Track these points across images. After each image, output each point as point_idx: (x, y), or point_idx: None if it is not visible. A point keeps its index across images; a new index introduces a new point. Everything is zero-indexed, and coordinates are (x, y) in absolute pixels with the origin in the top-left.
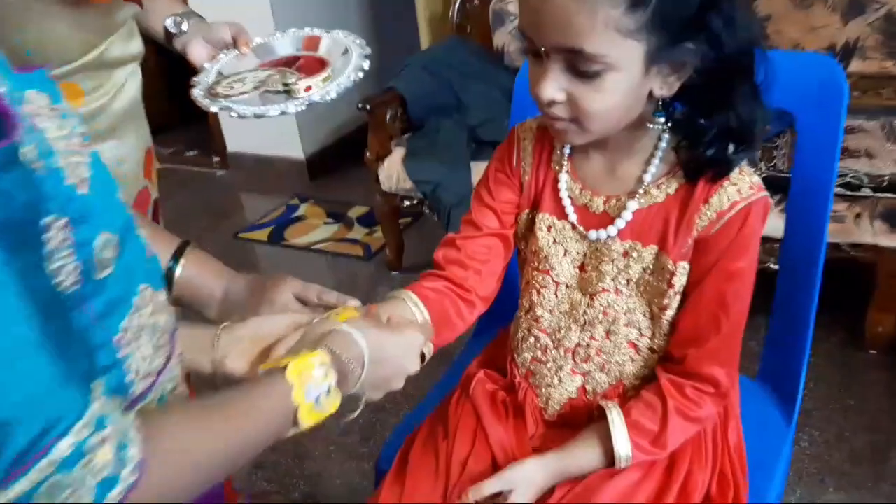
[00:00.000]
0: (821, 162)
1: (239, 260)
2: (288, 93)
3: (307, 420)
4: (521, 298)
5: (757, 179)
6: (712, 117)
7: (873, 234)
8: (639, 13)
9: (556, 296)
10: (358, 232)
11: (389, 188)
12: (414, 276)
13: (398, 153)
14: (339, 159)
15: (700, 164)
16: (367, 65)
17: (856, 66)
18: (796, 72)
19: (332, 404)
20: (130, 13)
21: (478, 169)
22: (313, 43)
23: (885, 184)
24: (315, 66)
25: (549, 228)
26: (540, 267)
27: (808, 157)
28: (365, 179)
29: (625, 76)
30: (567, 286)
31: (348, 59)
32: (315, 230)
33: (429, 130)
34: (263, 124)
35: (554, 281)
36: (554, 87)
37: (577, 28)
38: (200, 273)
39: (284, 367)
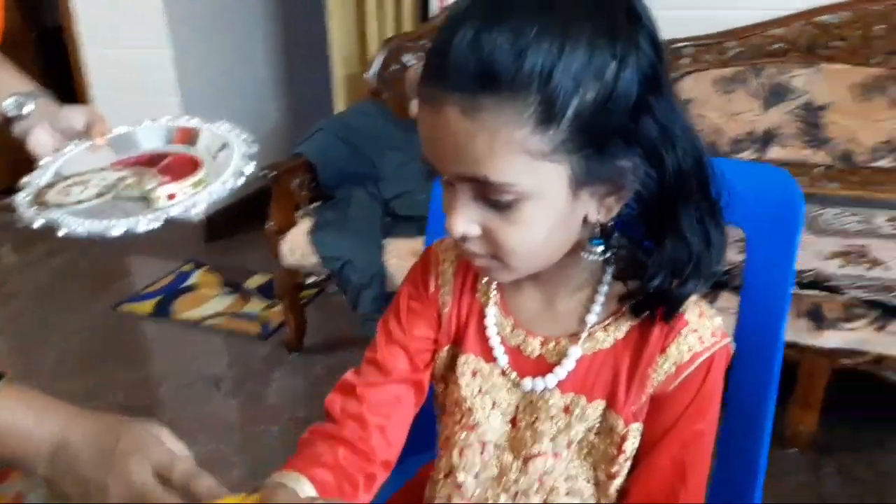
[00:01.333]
0: (774, 285)
1: (116, 339)
2: (145, 200)
3: None
4: (439, 457)
5: (719, 322)
6: (660, 244)
7: (796, 332)
8: (551, 132)
9: (483, 457)
10: (256, 305)
11: (291, 263)
12: (314, 358)
13: (304, 225)
14: (239, 221)
15: (644, 300)
16: (249, 168)
17: (774, 153)
18: (746, 185)
19: None
20: None
21: (392, 247)
22: (189, 136)
23: (807, 280)
24: (185, 166)
25: (473, 374)
26: (464, 422)
27: (759, 280)
28: (262, 254)
29: (547, 204)
30: (496, 446)
31: (228, 158)
32: (208, 302)
33: (340, 201)
34: None
35: (480, 440)
36: (465, 220)
37: (476, 154)
38: (18, 418)
39: None
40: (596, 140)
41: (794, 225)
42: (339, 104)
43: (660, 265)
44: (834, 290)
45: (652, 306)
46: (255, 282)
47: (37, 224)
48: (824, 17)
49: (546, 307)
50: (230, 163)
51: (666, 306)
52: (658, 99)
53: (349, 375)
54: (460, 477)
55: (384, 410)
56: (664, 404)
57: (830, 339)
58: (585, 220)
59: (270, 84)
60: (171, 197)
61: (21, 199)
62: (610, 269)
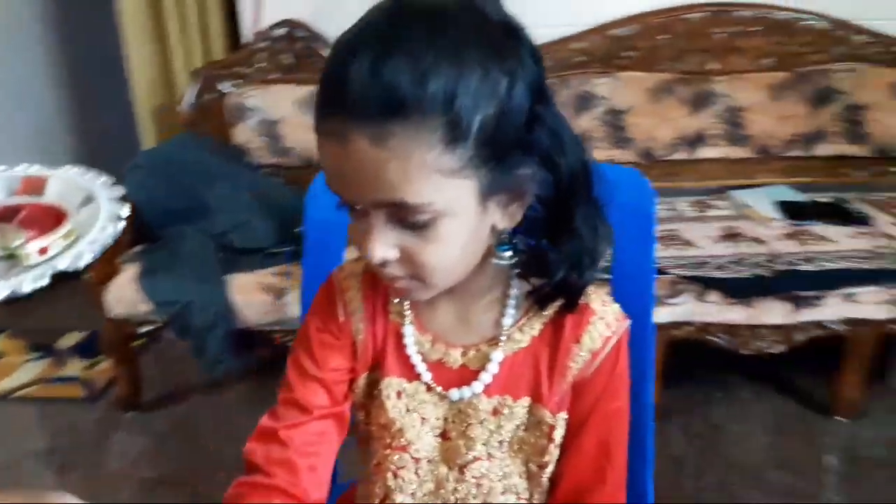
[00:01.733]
0: (641, 271)
1: None
2: (11, 258)
3: None
4: (370, 485)
5: (618, 306)
6: (558, 242)
7: None
8: (459, 150)
9: (418, 475)
10: (75, 366)
11: (119, 314)
12: (155, 414)
13: (129, 271)
14: (43, 288)
15: (550, 293)
16: (124, 211)
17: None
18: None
19: None
20: None
21: (235, 282)
22: (35, 185)
23: None
24: (47, 218)
25: (398, 395)
26: (394, 444)
27: (627, 269)
28: (77, 299)
29: (459, 218)
30: (429, 461)
31: (94, 205)
32: (15, 371)
33: (168, 242)
34: None
35: (413, 458)
36: (383, 245)
37: (390, 180)
38: None
39: None
40: (498, 153)
41: (650, 215)
42: (148, 139)
43: (560, 260)
44: (660, 271)
45: (557, 298)
46: (68, 341)
47: None
48: (616, 31)
49: (461, 318)
50: (99, 208)
51: (570, 297)
52: (545, 108)
53: (265, 420)
54: (398, 499)
55: (312, 450)
56: (584, 390)
57: (662, 314)
58: (492, 229)
59: (59, 124)
60: (42, 251)
61: None
62: (516, 272)
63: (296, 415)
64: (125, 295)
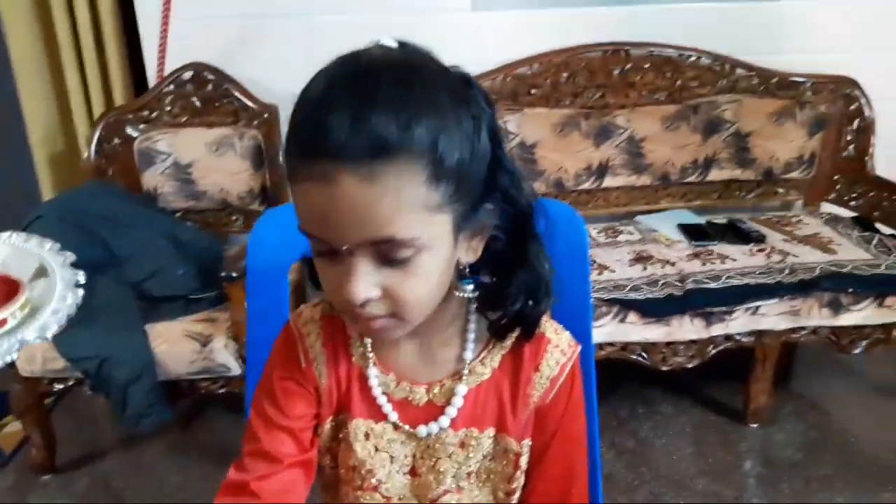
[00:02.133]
0: (576, 296)
1: None
2: None
3: None
4: None
5: (568, 333)
6: (511, 275)
7: None
8: (442, 186)
9: None
10: None
11: (32, 373)
12: (74, 474)
13: None
14: None
15: (508, 324)
16: (80, 277)
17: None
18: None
19: None
20: None
21: (157, 331)
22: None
23: None
24: (0, 288)
25: (366, 436)
26: (364, 485)
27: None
28: None
29: (437, 252)
30: (400, 498)
31: (47, 272)
32: None
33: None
34: None
35: (384, 496)
36: (366, 285)
37: (381, 217)
38: None
39: None
40: (470, 189)
41: (583, 244)
42: (47, 189)
43: (518, 292)
44: None
45: (515, 328)
46: None
47: None
48: (520, 70)
49: (423, 355)
50: (54, 277)
51: (527, 326)
52: (500, 150)
53: (232, 474)
54: None
55: (282, 500)
56: (546, 416)
57: None
58: (457, 264)
59: None
60: (2, 323)
61: None
62: (473, 307)
63: (265, 466)
64: (37, 353)
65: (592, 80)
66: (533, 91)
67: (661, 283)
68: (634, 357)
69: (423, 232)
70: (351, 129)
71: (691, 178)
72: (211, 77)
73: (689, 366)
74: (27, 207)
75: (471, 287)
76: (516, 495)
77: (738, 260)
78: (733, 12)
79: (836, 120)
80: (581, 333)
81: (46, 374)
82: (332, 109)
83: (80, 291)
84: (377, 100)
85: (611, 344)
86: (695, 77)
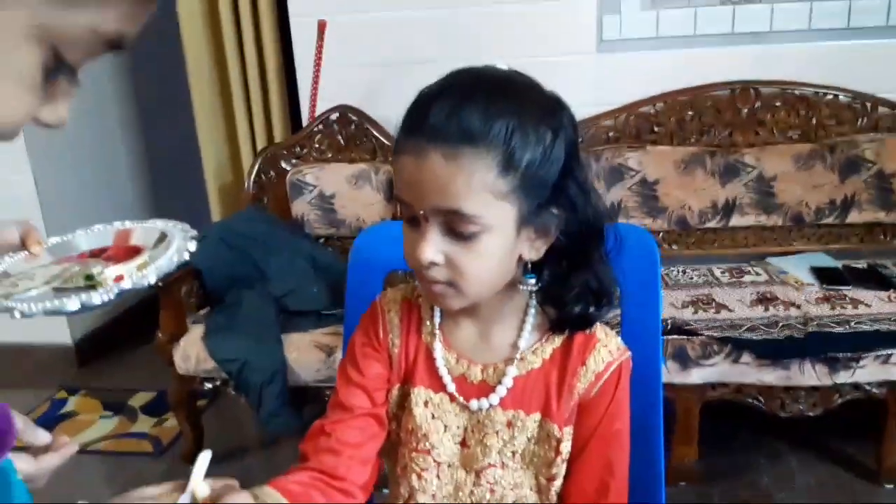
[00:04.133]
0: (647, 320)
1: None
2: (92, 287)
3: None
4: (397, 487)
5: (620, 339)
6: (574, 278)
7: (666, 373)
8: (510, 177)
9: (439, 478)
10: (144, 424)
11: (187, 371)
12: (217, 467)
13: (196, 331)
14: (113, 342)
15: (566, 321)
16: (193, 245)
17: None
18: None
19: None
20: None
21: (290, 341)
22: (125, 236)
23: (668, 327)
24: (128, 253)
25: (425, 403)
26: (419, 447)
27: (633, 316)
28: (147, 362)
29: (499, 238)
30: (449, 465)
31: (169, 243)
32: (90, 427)
33: (230, 305)
34: None
35: (435, 461)
36: (433, 249)
37: (454, 190)
38: None
39: None
40: (537, 190)
41: (656, 267)
42: (216, 213)
43: (580, 295)
44: (691, 332)
45: (570, 326)
46: (139, 400)
47: None
48: (644, 109)
49: (482, 339)
50: (172, 244)
51: (583, 327)
52: (577, 165)
53: (317, 422)
54: (420, 499)
55: (354, 441)
56: (589, 408)
57: (695, 375)
58: (520, 259)
59: (138, 203)
60: (118, 279)
61: None
62: (533, 303)
63: (340, 414)
64: (192, 353)
65: (719, 118)
66: (657, 129)
67: (781, 324)
68: (750, 401)
69: (486, 213)
70: (446, 116)
71: (828, 220)
72: (354, 118)
73: (812, 414)
74: (198, 229)
75: (533, 281)
76: (557, 482)
77: (871, 305)
78: (875, 50)
79: None
80: (649, 347)
81: (199, 373)
82: (437, 100)
83: (187, 256)
84: (471, 98)
85: (724, 385)
86: (831, 115)
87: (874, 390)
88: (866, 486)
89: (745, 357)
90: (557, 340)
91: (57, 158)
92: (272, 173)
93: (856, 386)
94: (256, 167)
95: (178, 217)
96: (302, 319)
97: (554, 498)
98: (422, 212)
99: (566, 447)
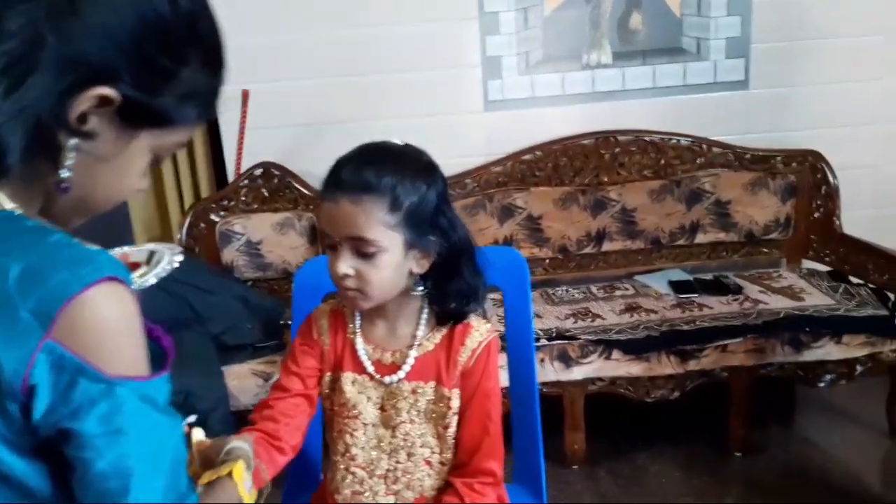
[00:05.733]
0: (522, 319)
1: None
2: None
3: (247, 500)
4: (335, 445)
5: (489, 325)
6: (450, 285)
7: (554, 372)
8: (396, 214)
9: (366, 434)
10: None
11: None
12: None
13: None
14: None
15: (446, 314)
16: (178, 258)
17: None
18: (496, 260)
19: (254, 490)
20: None
21: (230, 372)
22: (125, 258)
23: (553, 335)
24: (130, 269)
25: (352, 382)
26: (349, 414)
27: (514, 317)
28: None
29: (392, 256)
30: (373, 425)
31: (160, 257)
32: None
33: (174, 344)
34: None
35: (363, 423)
36: (346, 265)
37: (359, 223)
38: None
39: (228, 474)
40: (417, 223)
41: (525, 277)
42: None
43: (454, 296)
44: (572, 338)
45: (450, 318)
46: None
47: None
48: (526, 157)
49: (390, 332)
50: (164, 257)
51: (458, 318)
52: (446, 206)
53: (262, 399)
54: (353, 451)
55: (288, 413)
56: (469, 374)
57: (577, 372)
58: (410, 272)
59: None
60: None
61: None
62: (426, 303)
63: (280, 393)
64: None
65: (587, 162)
66: (538, 173)
67: (642, 326)
68: (622, 391)
69: (382, 238)
70: (352, 174)
71: (680, 241)
72: (277, 172)
73: (672, 398)
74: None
75: (420, 289)
76: (451, 430)
77: (714, 308)
78: (707, 102)
79: (806, 187)
80: (523, 332)
81: None
82: (346, 164)
83: (176, 264)
84: (370, 161)
85: (601, 379)
86: (676, 156)
87: (718, 374)
88: (722, 455)
89: (615, 354)
90: (444, 329)
91: None
92: (202, 225)
93: (703, 373)
94: (188, 220)
95: None
96: (239, 352)
97: (450, 441)
98: (337, 239)
99: (455, 404)
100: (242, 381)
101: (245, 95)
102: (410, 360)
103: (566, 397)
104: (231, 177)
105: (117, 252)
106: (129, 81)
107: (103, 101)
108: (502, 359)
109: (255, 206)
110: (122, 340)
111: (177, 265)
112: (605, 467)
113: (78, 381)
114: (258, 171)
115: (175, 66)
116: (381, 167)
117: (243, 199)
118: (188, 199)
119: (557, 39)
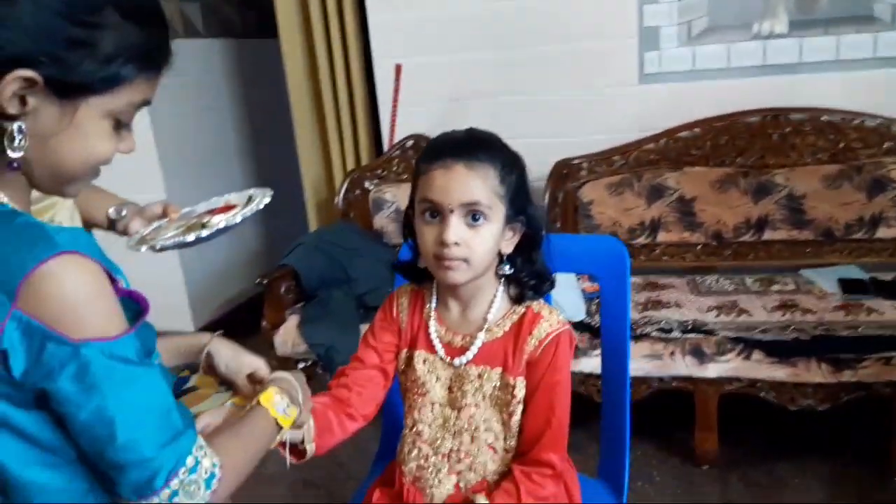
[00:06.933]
0: (618, 310)
1: None
2: (203, 227)
3: (284, 423)
4: (406, 419)
5: (562, 317)
6: (527, 267)
7: (686, 367)
8: (503, 185)
9: (433, 413)
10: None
11: (284, 353)
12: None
13: (292, 321)
14: (231, 330)
15: (523, 296)
16: (267, 199)
17: (662, 237)
18: (596, 248)
19: (292, 412)
20: None
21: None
22: (230, 207)
23: (689, 327)
24: (226, 209)
25: (424, 361)
26: (419, 392)
27: (609, 307)
28: (254, 347)
29: (495, 227)
30: (440, 405)
31: (255, 198)
32: (210, 398)
33: (321, 300)
34: (151, 296)
35: (431, 402)
36: (455, 232)
37: (475, 188)
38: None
39: (257, 403)
40: (513, 201)
41: (624, 267)
42: (313, 223)
43: (531, 277)
44: (709, 332)
45: (527, 299)
46: None
47: (140, 249)
48: (682, 134)
49: (463, 315)
50: (254, 200)
51: (534, 298)
52: (527, 187)
53: (341, 367)
54: (420, 427)
55: (361, 383)
56: (535, 364)
57: (711, 370)
58: (499, 251)
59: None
60: (220, 221)
61: (128, 243)
62: (501, 288)
63: (356, 364)
64: (289, 338)
65: (752, 142)
66: (693, 152)
67: (792, 327)
68: (763, 395)
69: (492, 204)
70: (464, 142)
71: (857, 235)
72: (424, 144)
73: (820, 409)
74: (298, 236)
75: (507, 267)
76: (515, 417)
77: (885, 314)
78: None
79: None
80: (619, 332)
81: (294, 355)
82: (451, 135)
83: (262, 205)
84: (475, 136)
85: (738, 379)
86: (859, 139)
87: (879, 389)
88: (878, 479)
89: (756, 355)
90: (515, 317)
91: (184, 176)
92: (357, 192)
93: (861, 385)
94: (345, 187)
95: (281, 227)
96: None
97: (514, 428)
98: (448, 206)
99: (520, 392)
100: None
101: (398, 69)
102: (478, 343)
103: (698, 395)
104: (385, 147)
105: (221, 200)
106: (45, 61)
107: (29, 83)
108: (590, 351)
109: (406, 176)
110: (83, 306)
111: (262, 206)
112: (738, 473)
113: (46, 345)
114: (409, 143)
115: (89, 33)
116: (487, 142)
117: (395, 168)
118: (350, 167)
119: (725, 7)
